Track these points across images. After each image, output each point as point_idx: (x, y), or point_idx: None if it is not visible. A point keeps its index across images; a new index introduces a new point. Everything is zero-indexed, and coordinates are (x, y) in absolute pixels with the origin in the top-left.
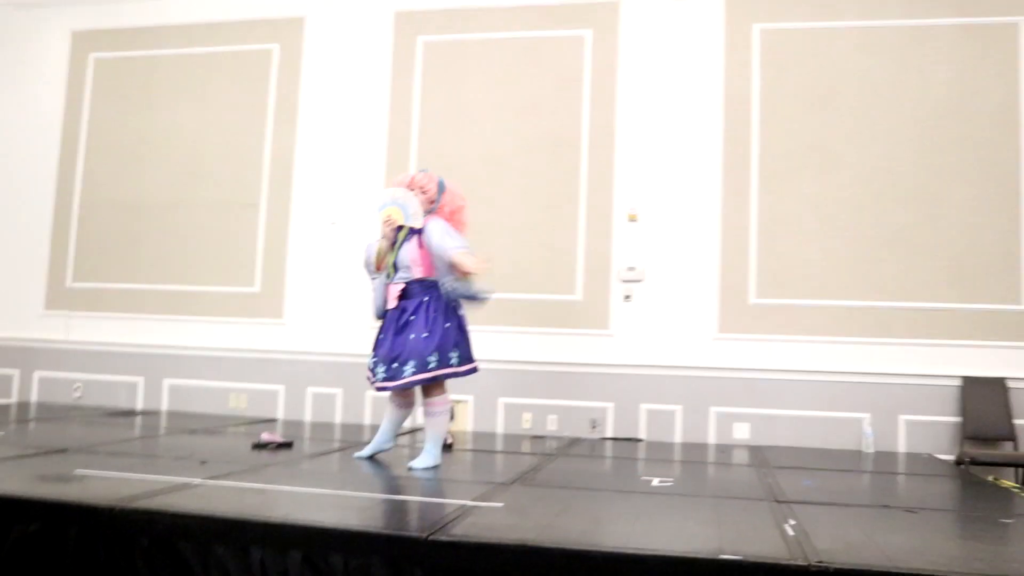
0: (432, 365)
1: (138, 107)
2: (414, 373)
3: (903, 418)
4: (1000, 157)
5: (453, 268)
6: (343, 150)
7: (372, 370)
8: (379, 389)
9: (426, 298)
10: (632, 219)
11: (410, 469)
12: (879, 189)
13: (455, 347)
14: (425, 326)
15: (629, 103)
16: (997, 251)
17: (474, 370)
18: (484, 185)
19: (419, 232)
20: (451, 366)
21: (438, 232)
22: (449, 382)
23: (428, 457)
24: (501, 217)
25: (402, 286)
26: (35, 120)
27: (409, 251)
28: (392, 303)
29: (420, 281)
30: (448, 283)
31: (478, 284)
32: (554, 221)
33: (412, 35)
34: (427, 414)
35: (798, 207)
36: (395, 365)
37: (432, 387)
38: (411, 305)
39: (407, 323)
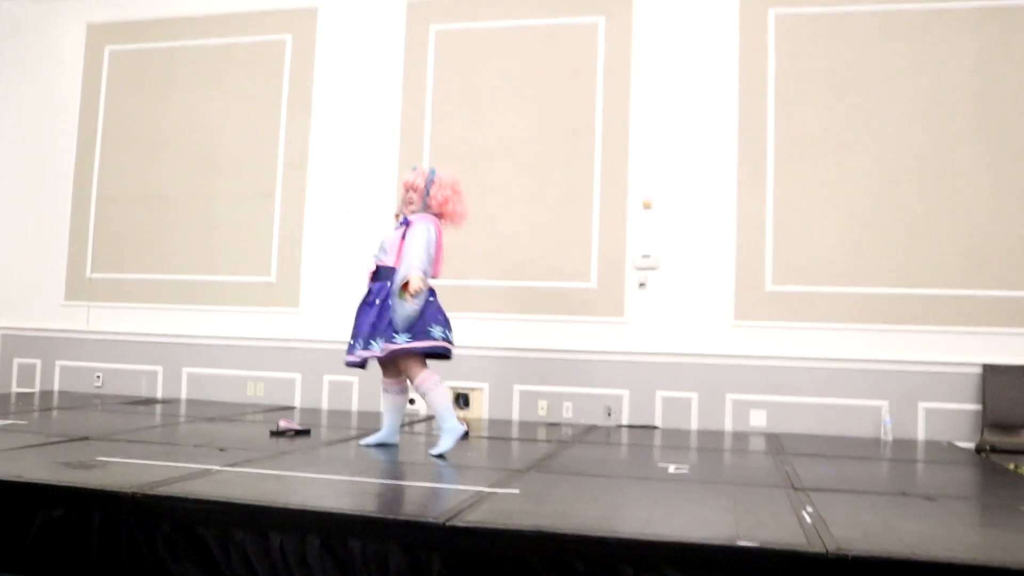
0: (400, 340)
1: (153, 99)
2: (366, 347)
3: (922, 405)
4: (1022, 143)
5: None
6: (357, 140)
7: (353, 348)
8: (350, 364)
9: (389, 283)
10: (647, 206)
11: (441, 456)
12: (897, 175)
13: (433, 323)
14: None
15: (643, 90)
16: (1018, 237)
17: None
18: (498, 174)
19: (406, 223)
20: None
21: (416, 237)
22: (467, 369)
23: (450, 435)
24: (515, 206)
25: (375, 267)
26: (52, 112)
27: (394, 238)
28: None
29: (392, 268)
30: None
31: (411, 307)
32: (568, 209)
33: (424, 24)
34: (422, 392)
35: (815, 193)
36: (372, 341)
37: (411, 367)
38: (377, 288)
39: (373, 304)
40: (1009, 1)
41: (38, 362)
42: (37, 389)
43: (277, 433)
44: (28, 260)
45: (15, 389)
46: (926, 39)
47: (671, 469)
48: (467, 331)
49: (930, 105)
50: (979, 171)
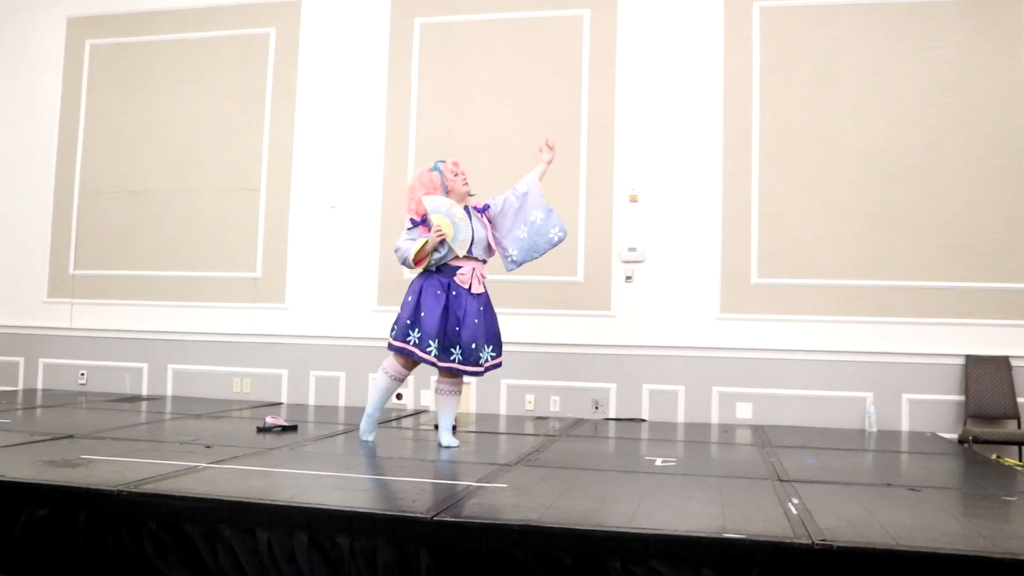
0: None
1: (136, 93)
2: (494, 357)
3: (906, 397)
4: (1003, 135)
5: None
6: (342, 133)
7: (443, 352)
8: (472, 373)
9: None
10: (633, 200)
11: (448, 447)
12: (881, 168)
13: None
14: (493, 311)
15: (629, 83)
16: (1001, 230)
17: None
18: (483, 167)
19: (483, 211)
20: None
21: (507, 194)
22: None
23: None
24: None
25: (481, 263)
26: (33, 108)
27: (484, 232)
28: (479, 287)
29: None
30: (554, 224)
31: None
32: (555, 202)
33: (409, 17)
34: (452, 394)
35: (799, 186)
36: (473, 346)
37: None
38: (483, 289)
39: (487, 306)
40: None
41: (21, 360)
42: (20, 387)
43: (264, 429)
44: (10, 257)
45: None
46: (909, 32)
47: (658, 462)
48: None
49: (913, 98)
50: (962, 164)
